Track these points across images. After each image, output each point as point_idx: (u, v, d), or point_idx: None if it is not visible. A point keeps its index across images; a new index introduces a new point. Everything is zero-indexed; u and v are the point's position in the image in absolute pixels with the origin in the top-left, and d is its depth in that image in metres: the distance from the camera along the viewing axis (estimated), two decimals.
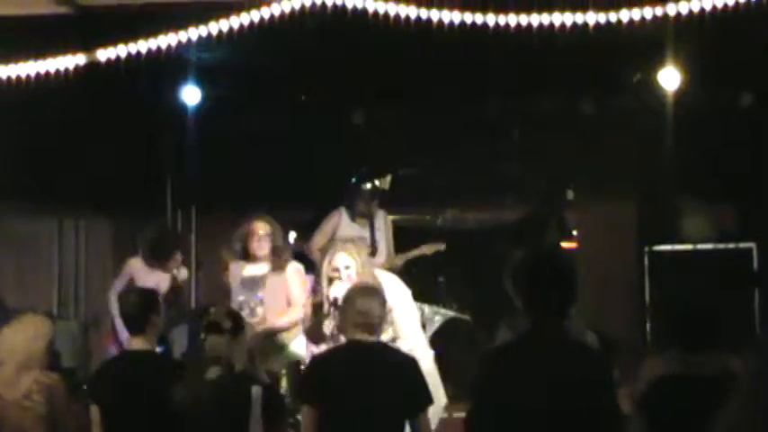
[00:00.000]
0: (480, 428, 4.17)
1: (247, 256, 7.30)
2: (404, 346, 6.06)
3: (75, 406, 5.52)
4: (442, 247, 8.88)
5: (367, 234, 8.31)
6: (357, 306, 5.07)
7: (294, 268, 7.33)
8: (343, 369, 4.96)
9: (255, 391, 5.33)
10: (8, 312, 6.98)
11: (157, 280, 8.21)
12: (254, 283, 7.22)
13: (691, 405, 4.71)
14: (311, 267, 7.83)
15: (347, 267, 6.14)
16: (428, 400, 5.00)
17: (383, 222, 8.47)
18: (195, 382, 5.33)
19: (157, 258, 8.30)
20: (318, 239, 8.35)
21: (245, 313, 6.81)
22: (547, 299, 4.21)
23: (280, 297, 7.21)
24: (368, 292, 5.26)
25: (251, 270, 7.28)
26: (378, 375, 4.94)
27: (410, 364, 5.10)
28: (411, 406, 4.94)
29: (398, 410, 4.92)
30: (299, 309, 7.06)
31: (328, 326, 6.13)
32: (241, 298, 7.18)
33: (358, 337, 5.04)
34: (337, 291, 6.01)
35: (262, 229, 7.25)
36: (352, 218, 8.39)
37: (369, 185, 8.40)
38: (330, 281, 6.16)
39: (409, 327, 6.22)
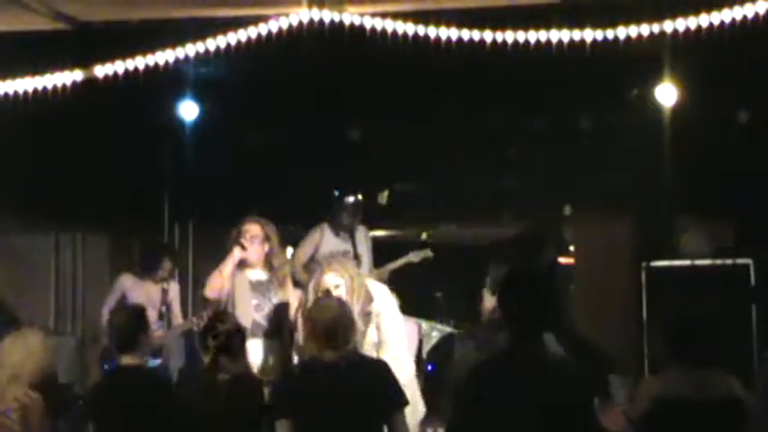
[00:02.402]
0: None
1: (244, 261, 6.85)
2: (388, 352, 6.15)
3: (51, 427, 5.53)
4: (429, 254, 8.88)
5: (349, 247, 8.32)
6: (320, 322, 5.10)
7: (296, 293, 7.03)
8: (314, 382, 5.00)
9: (269, 393, 5.39)
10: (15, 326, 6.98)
11: (148, 294, 8.27)
12: (264, 287, 6.84)
13: (694, 429, 4.75)
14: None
15: (337, 287, 6.13)
16: (402, 400, 5.03)
17: (363, 237, 8.48)
18: (208, 381, 5.37)
19: (146, 267, 8.35)
20: (301, 255, 8.35)
21: (258, 316, 6.68)
22: (522, 316, 4.31)
23: (291, 304, 6.89)
24: (328, 307, 5.27)
25: (254, 275, 6.87)
26: (348, 383, 4.97)
27: (380, 367, 5.17)
28: (385, 408, 4.98)
29: (373, 416, 4.95)
30: None
31: None
32: (255, 302, 6.78)
33: (325, 351, 5.06)
34: None
35: (251, 231, 6.86)
36: (336, 232, 8.39)
37: (352, 198, 8.41)
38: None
39: (394, 335, 6.29)
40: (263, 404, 5.40)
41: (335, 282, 6.16)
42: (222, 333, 5.44)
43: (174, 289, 8.48)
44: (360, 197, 8.46)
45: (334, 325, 5.08)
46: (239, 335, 5.53)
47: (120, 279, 8.46)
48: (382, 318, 6.27)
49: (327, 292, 6.06)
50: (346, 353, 5.09)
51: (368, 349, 6.13)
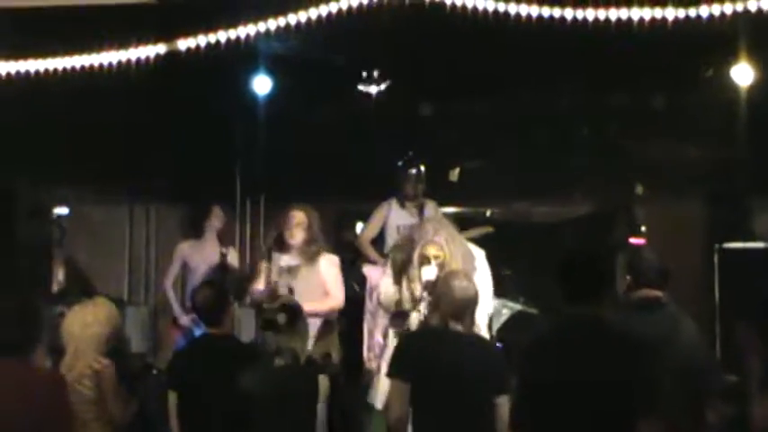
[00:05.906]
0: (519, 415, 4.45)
1: (284, 245, 7.24)
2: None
3: (124, 393, 5.63)
4: (489, 229, 8.89)
5: (417, 221, 8.34)
6: (455, 293, 5.26)
7: (327, 260, 7.24)
8: (435, 349, 5.17)
9: (323, 380, 5.41)
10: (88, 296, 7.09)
11: (208, 258, 8.36)
12: (288, 274, 7.14)
13: None
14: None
15: (437, 257, 6.41)
16: (507, 387, 5.10)
17: (433, 211, 8.50)
18: (264, 369, 5.39)
19: (198, 221, 8.48)
20: (368, 231, 8.40)
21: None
22: (578, 291, 4.41)
23: (314, 288, 7.11)
24: (464, 280, 5.43)
25: (287, 260, 7.20)
26: (465, 359, 5.14)
27: (495, 350, 5.43)
28: (493, 391, 5.11)
29: (482, 394, 5.10)
30: (336, 299, 7.11)
31: (421, 310, 6.34)
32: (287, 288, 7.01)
33: (450, 323, 5.24)
34: (429, 274, 6.30)
35: (296, 217, 7.21)
36: (402, 204, 8.44)
37: (415, 170, 8.43)
38: (420, 264, 6.45)
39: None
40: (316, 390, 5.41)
41: (435, 253, 6.41)
42: (260, 325, 5.48)
43: (233, 256, 8.58)
44: (422, 167, 8.49)
45: (463, 306, 5.24)
46: (275, 328, 5.50)
47: (179, 247, 8.60)
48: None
49: (428, 261, 6.37)
50: (469, 331, 5.28)
51: None
